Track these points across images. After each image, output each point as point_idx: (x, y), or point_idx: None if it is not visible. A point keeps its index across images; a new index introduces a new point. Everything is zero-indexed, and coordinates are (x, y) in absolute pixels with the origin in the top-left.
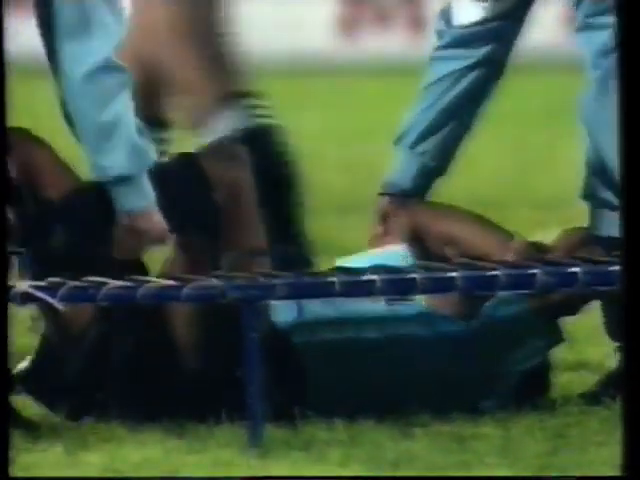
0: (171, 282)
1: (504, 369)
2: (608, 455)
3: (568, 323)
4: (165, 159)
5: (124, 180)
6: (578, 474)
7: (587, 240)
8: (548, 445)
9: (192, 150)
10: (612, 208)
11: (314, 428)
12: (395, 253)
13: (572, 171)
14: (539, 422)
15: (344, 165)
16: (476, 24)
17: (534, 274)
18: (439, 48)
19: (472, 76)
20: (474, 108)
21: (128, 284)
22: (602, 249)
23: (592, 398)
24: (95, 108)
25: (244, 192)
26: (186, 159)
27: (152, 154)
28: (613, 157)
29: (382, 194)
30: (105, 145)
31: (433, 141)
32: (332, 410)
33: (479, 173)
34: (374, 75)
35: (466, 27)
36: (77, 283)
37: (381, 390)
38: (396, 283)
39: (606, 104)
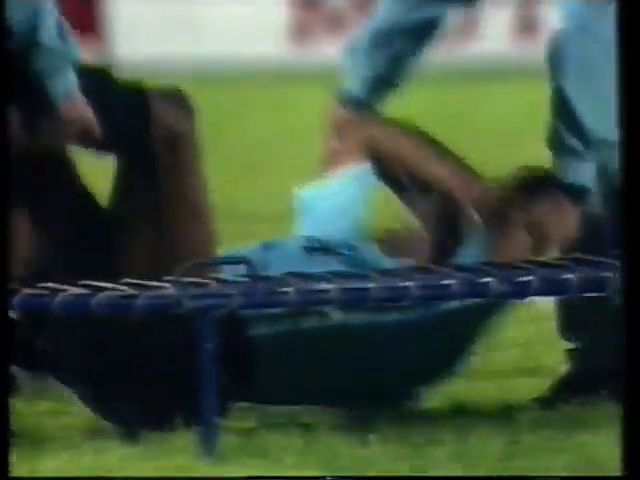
0: (126, 289)
1: (455, 359)
2: (563, 461)
3: (523, 329)
4: (113, 83)
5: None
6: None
7: (549, 182)
8: (503, 450)
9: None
10: (577, 155)
11: (269, 433)
12: (354, 175)
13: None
14: (494, 428)
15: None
16: None
17: (487, 282)
18: None
19: (431, 2)
20: (430, 30)
21: (82, 292)
22: (565, 195)
23: (546, 403)
24: None
25: (185, 145)
26: (136, 91)
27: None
28: (580, 102)
29: (335, 103)
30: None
31: (385, 54)
32: (281, 401)
33: None
34: (327, 82)
35: None
36: (31, 291)
37: (332, 381)
38: (350, 292)
39: (579, 49)
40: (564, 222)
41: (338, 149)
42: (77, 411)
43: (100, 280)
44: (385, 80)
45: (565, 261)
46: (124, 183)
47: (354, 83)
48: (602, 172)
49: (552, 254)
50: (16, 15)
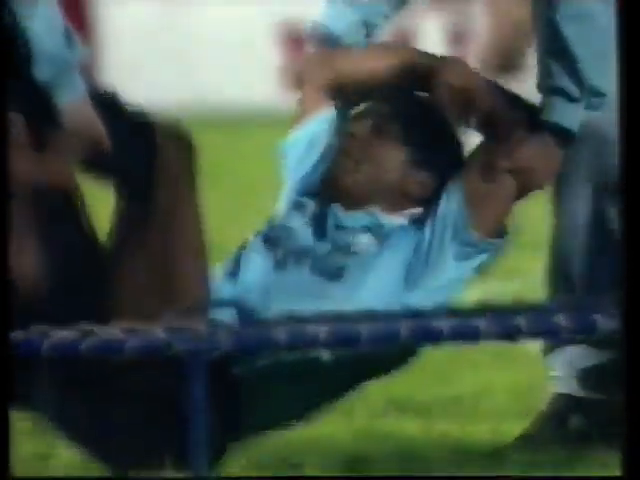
0: (116, 332)
1: None
2: None
3: (513, 373)
4: (126, 110)
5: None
6: None
7: (537, 120)
8: None
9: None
10: (568, 97)
11: (260, 474)
12: (325, 117)
13: None
14: (486, 469)
15: None
16: None
17: (477, 325)
18: None
19: None
20: None
21: (71, 335)
22: (551, 135)
23: (536, 445)
24: None
25: (185, 182)
26: (143, 120)
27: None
28: (577, 47)
29: (312, 37)
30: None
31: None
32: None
33: None
34: None
35: None
36: (20, 334)
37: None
38: (341, 334)
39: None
40: (549, 164)
41: (308, 94)
42: (66, 453)
43: (96, 318)
44: (368, 25)
45: (556, 304)
46: (122, 216)
47: (333, 22)
48: (592, 124)
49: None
50: (16, 20)
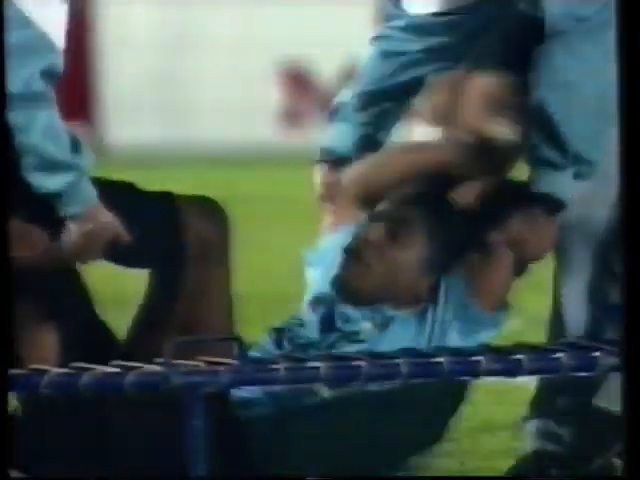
0: (114, 369)
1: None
2: None
3: (512, 411)
4: (140, 192)
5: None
6: None
7: (523, 195)
8: None
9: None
10: (554, 167)
11: None
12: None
13: None
14: None
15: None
16: (431, 15)
17: (478, 360)
18: (386, 27)
19: (425, 63)
20: (415, 93)
21: (70, 372)
22: (541, 207)
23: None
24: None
25: (216, 256)
26: (165, 197)
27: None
28: (559, 116)
29: (321, 162)
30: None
31: (373, 114)
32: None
33: None
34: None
35: (420, 16)
36: (18, 372)
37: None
38: (341, 370)
39: (560, 65)
40: (544, 235)
41: (333, 209)
42: None
43: None
44: (370, 140)
45: (559, 345)
46: (152, 294)
47: (339, 143)
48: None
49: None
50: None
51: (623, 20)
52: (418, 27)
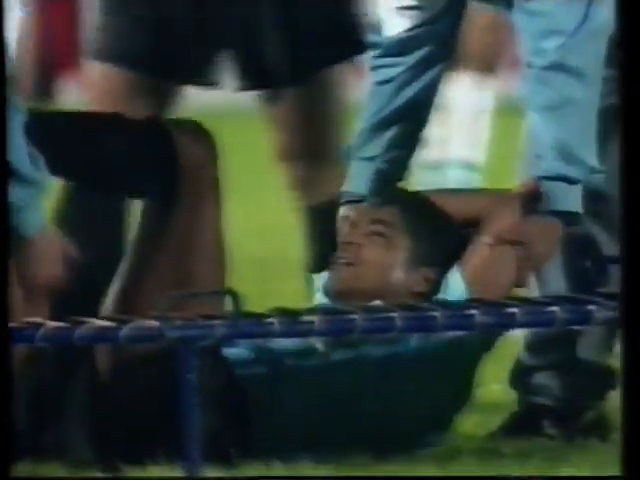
0: (108, 323)
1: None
2: None
3: (504, 365)
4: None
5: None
6: None
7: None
8: None
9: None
10: (565, 182)
11: (252, 469)
12: None
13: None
14: (478, 461)
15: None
16: (407, 31)
17: (472, 314)
18: (375, 57)
19: (413, 79)
20: (420, 110)
21: (65, 325)
22: (560, 221)
23: (526, 436)
24: None
25: (207, 178)
26: (152, 122)
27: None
28: (563, 132)
29: (344, 204)
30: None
31: (381, 145)
32: (277, 448)
33: None
34: None
35: (398, 36)
36: (13, 325)
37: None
38: (335, 324)
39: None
40: (548, 242)
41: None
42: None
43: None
44: (385, 173)
45: (550, 298)
46: (145, 219)
47: (356, 183)
48: (591, 195)
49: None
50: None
51: (623, 20)
52: (399, 47)
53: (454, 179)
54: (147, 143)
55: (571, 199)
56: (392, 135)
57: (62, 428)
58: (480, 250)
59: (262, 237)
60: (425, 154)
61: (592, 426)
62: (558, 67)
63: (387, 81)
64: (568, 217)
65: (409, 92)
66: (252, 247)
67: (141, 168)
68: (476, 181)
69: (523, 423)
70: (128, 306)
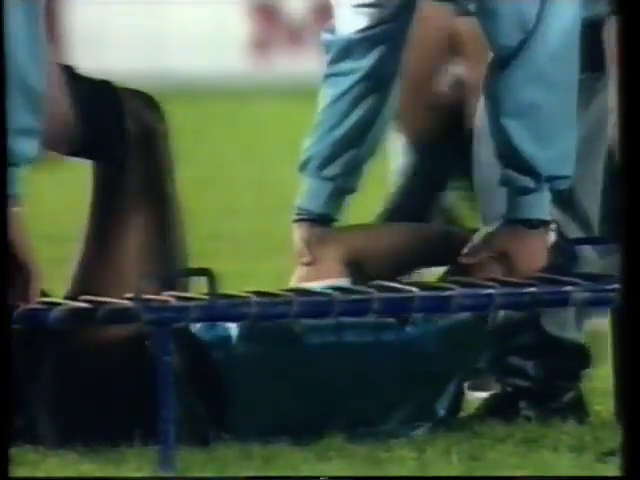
0: (84, 304)
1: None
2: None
3: None
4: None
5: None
6: None
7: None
8: (463, 467)
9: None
10: (530, 192)
11: (228, 450)
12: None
13: None
14: (455, 444)
15: (255, 188)
16: (361, 31)
17: (450, 296)
18: (329, 63)
19: (367, 89)
20: (376, 121)
21: (40, 306)
22: (526, 231)
23: (505, 418)
24: None
25: (158, 142)
26: (106, 84)
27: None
28: (525, 142)
29: (298, 221)
30: None
31: (341, 163)
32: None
33: None
34: (288, 97)
35: (351, 36)
36: None
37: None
38: (312, 305)
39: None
40: (530, 250)
41: (315, 266)
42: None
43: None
44: (341, 191)
45: (531, 280)
46: (99, 184)
47: (312, 201)
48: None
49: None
50: None
51: (623, 20)
52: (353, 48)
53: None
54: (97, 102)
55: (538, 207)
56: (350, 154)
57: (34, 410)
58: (467, 270)
59: (239, 216)
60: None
61: (569, 407)
62: (522, 70)
63: (341, 95)
64: (539, 224)
65: (363, 107)
66: (228, 226)
67: (91, 127)
68: None
69: (499, 405)
70: (87, 282)
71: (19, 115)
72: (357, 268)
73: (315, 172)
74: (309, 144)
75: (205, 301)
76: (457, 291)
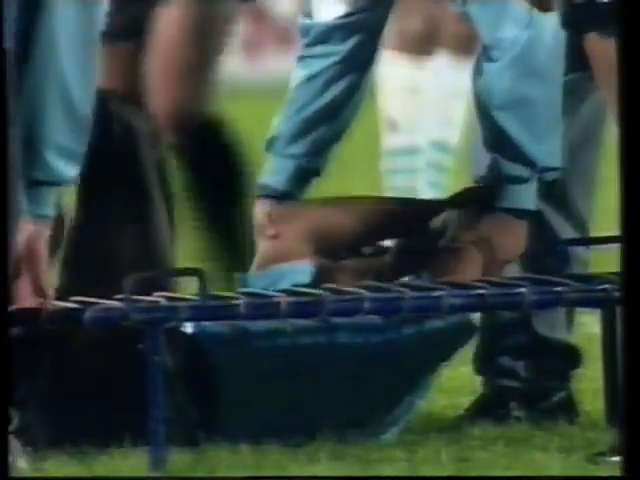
0: (74, 305)
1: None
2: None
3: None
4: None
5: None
6: None
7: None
8: (454, 468)
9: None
10: (519, 182)
11: (219, 451)
12: (302, 269)
13: None
14: (445, 445)
15: None
16: (340, 18)
17: (440, 296)
18: (305, 46)
19: (341, 73)
20: (347, 106)
21: (30, 308)
22: (511, 219)
23: (494, 420)
24: None
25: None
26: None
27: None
28: (517, 133)
29: (260, 197)
30: None
31: (306, 143)
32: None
33: None
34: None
35: (329, 22)
36: None
37: (300, 406)
38: (301, 305)
39: (510, 83)
40: (512, 238)
41: (279, 244)
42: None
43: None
44: (306, 171)
45: (519, 280)
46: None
47: (276, 178)
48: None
49: (504, 273)
50: None
51: (623, 20)
52: (330, 34)
53: (426, 161)
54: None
55: (524, 197)
56: (317, 135)
57: (25, 412)
58: (446, 254)
59: None
60: (396, 138)
61: (559, 408)
62: (513, 62)
63: (313, 76)
64: (523, 215)
65: (335, 90)
66: None
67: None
68: (448, 161)
69: (489, 406)
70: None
71: (63, 134)
72: (321, 242)
73: (280, 150)
74: (277, 122)
75: (195, 301)
76: (448, 291)
